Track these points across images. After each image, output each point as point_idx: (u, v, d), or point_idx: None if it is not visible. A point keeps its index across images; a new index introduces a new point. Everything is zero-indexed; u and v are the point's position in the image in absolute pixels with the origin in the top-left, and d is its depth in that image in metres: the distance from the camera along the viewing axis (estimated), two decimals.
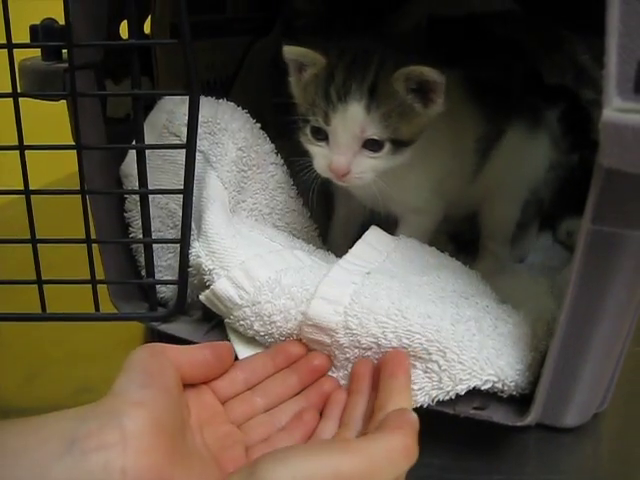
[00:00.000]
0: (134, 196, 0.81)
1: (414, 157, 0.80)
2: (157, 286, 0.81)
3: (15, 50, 0.67)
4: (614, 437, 0.73)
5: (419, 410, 0.63)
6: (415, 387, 0.64)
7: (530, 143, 0.94)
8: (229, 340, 0.72)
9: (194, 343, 0.65)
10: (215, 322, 0.77)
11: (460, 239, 1.02)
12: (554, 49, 1.09)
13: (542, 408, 0.64)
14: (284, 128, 0.81)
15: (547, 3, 1.00)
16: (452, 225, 1.03)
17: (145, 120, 0.79)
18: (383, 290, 0.68)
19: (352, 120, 0.73)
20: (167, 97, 0.86)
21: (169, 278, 0.82)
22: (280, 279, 0.70)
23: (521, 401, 0.65)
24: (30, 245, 0.74)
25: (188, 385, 0.60)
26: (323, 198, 0.94)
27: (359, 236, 0.80)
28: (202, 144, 0.81)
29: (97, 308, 0.77)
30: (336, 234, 0.95)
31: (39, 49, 0.73)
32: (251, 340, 0.72)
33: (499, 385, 0.64)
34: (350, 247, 0.77)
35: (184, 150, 0.71)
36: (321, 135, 0.77)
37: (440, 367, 0.64)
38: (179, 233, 0.75)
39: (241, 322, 0.71)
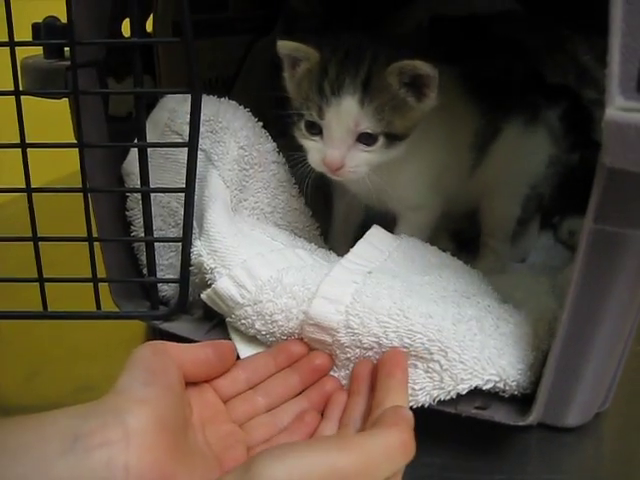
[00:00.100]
0: (136, 194, 0.81)
1: (409, 152, 0.80)
2: (158, 285, 0.81)
3: (17, 48, 0.67)
4: (616, 437, 0.73)
5: (420, 409, 0.64)
6: (416, 387, 0.64)
7: (528, 138, 0.94)
8: (230, 339, 0.72)
9: (195, 342, 0.65)
10: (216, 321, 0.77)
11: (461, 238, 1.02)
12: (556, 49, 1.09)
13: (544, 408, 0.64)
14: (285, 126, 0.81)
15: (549, 3, 1.00)
16: (453, 223, 1.03)
17: (147, 118, 0.79)
18: (385, 289, 0.68)
19: (346, 114, 0.73)
20: (169, 95, 0.86)
21: (171, 277, 0.82)
22: (282, 278, 0.70)
23: (523, 401, 0.65)
24: (31, 243, 0.74)
25: (190, 383, 0.60)
26: (323, 197, 0.94)
27: (359, 235, 0.80)
28: (204, 143, 0.81)
29: (98, 306, 0.77)
30: (335, 233, 0.95)
31: (41, 47, 0.73)
32: (252, 339, 0.72)
33: (501, 385, 0.64)
34: (351, 246, 0.77)
35: (186, 149, 0.71)
36: (315, 129, 0.77)
37: (442, 367, 0.63)
38: (181, 232, 0.74)
39: (242, 321, 0.71)
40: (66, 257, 0.81)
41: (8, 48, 0.66)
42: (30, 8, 0.78)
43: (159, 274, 0.81)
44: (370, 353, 0.66)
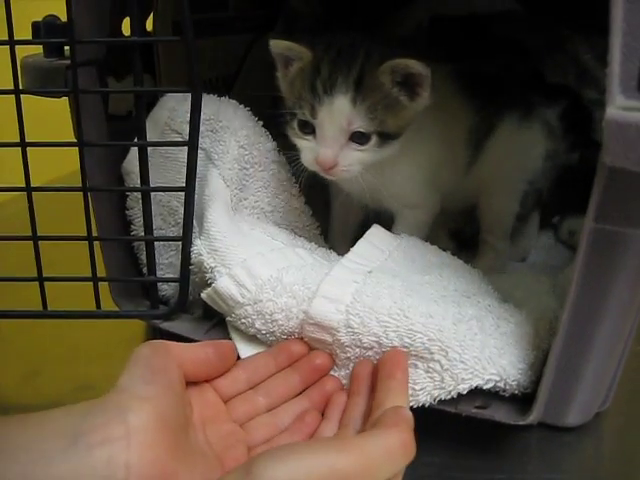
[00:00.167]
0: (136, 194, 0.81)
1: (404, 150, 0.80)
2: (158, 284, 0.81)
3: (17, 47, 0.67)
4: (616, 436, 0.73)
5: (421, 409, 0.63)
6: (417, 387, 0.64)
7: (523, 134, 0.94)
8: (230, 338, 0.72)
9: (195, 341, 0.66)
10: (216, 320, 0.77)
11: (461, 237, 1.02)
12: (556, 49, 1.09)
13: (544, 407, 0.64)
14: (279, 125, 0.82)
15: (549, 3, 1.00)
16: (452, 222, 1.03)
17: (147, 117, 0.79)
18: (385, 289, 0.68)
19: (338, 113, 0.73)
20: (169, 94, 0.86)
21: (170, 276, 0.82)
22: (282, 277, 0.70)
23: (523, 400, 0.65)
24: (32, 242, 0.74)
25: (190, 383, 0.60)
26: (322, 196, 0.94)
27: (358, 235, 0.80)
28: (204, 142, 0.81)
29: (98, 306, 0.77)
30: (334, 233, 0.95)
31: (41, 46, 0.73)
32: (252, 338, 0.71)
33: (501, 384, 0.64)
34: (350, 246, 0.77)
35: (186, 148, 0.71)
36: (308, 129, 0.77)
37: (442, 367, 0.63)
38: (181, 231, 0.74)
39: (242, 320, 0.71)
40: (66, 256, 0.81)
41: (8, 47, 0.66)
42: (30, 7, 0.78)
43: (159, 273, 0.81)
44: (370, 353, 0.66)
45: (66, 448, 0.47)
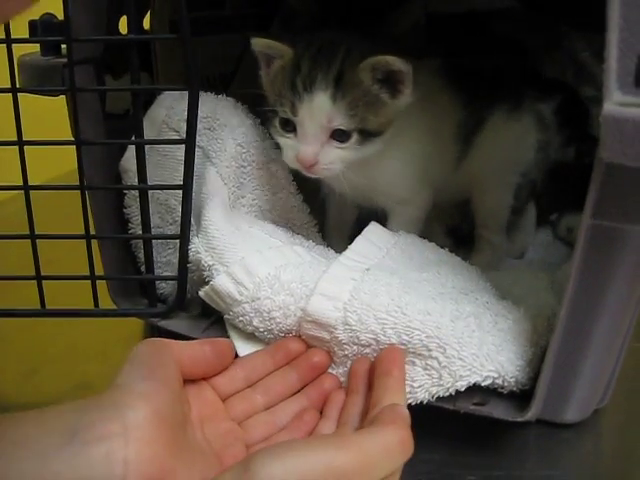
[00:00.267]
0: (133, 192, 0.81)
1: (392, 147, 0.80)
2: (156, 282, 0.81)
3: (14, 45, 0.67)
4: (614, 433, 0.73)
5: (419, 406, 0.64)
6: (415, 384, 0.64)
7: (513, 126, 0.93)
8: (228, 336, 0.72)
9: (193, 339, 0.66)
10: (214, 318, 0.77)
11: (458, 234, 1.02)
12: (554, 46, 1.09)
13: (542, 404, 0.64)
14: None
15: (547, 0, 1.01)
16: (449, 218, 1.03)
17: (144, 116, 0.79)
18: (382, 286, 0.68)
19: (318, 110, 0.73)
20: (166, 92, 0.86)
21: (168, 274, 0.82)
22: (279, 275, 0.70)
23: (521, 397, 0.65)
24: (29, 241, 0.74)
25: (188, 381, 0.60)
26: (319, 194, 0.94)
27: (355, 232, 0.80)
28: (201, 140, 0.81)
29: (96, 304, 0.77)
30: (331, 231, 0.95)
31: (38, 44, 0.73)
32: (250, 336, 0.71)
33: (499, 381, 0.64)
34: (347, 243, 0.77)
35: (183, 146, 0.71)
36: (289, 126, 0.77)
37: (440, 364, 0.63)
38: (178, 229, 0.74)
39: (240, 318, 0.71)
40: (65, 255, 0.81)
41: (5, 45, 0.66)
42: None
43: (157, 271, 0.81)
44: (368, 350, 0.66)
45: (63, 444, 0.47)
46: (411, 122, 0.82)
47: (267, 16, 1.13)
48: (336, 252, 0.79)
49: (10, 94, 0.69)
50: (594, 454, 0.69)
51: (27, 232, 0.73)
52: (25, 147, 0.70)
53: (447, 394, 0.64)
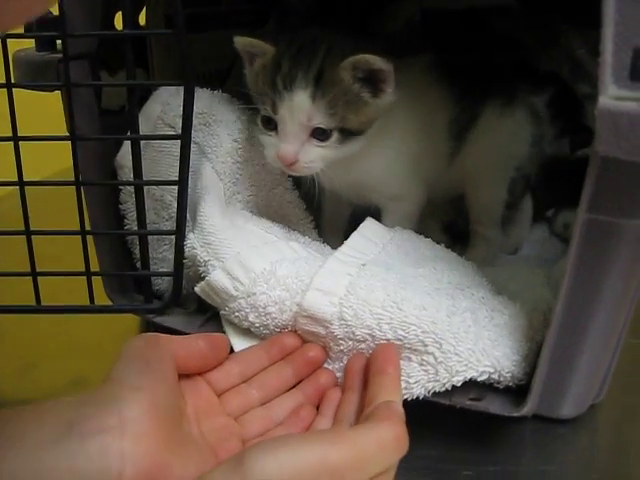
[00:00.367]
0: (129, 188, 0.81)
1: (379, 142, 0.81)
2: (152, 278, 0.81)
3: (9, 40, 0.67)
4: (610, 429, 0.73)
5: (414, 401, 0.64)
6: (411, 380, 0.64)
7: (507, 121, 0.93)
8: (224, 332, 0.72)
9: (189, 335, 0.65)
10: (210, 314, 0.77)
11: (454, 230, 1.02)
12: (551, 44, 1.09)
13: (538, 399, 0.64)
14: None
15: None
16: (445, 214, 1.03)
17: (140, 111, 0.78)
18: (378, 282, 0.68)
19: (298, 108, 0.73)
20: (162, 88, 0.86)
21: (164, 270, 0.82)
22: (275, 270, 0.70)
23: (517, 392, 0.65)
24: (25, 237, 0.73)
25: (183, 376, 0.60)
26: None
27: (351, 229, 0.80)
28: (197, 135, 0.81)
29: (92, 300, 0.77)
30: (326, 227, 0.95)
31: (33, 39, 0.73)
32: (246, 332, 0.71)
33: (495, 376, 0.64)
34: (343, 239, 0.77)
35: (179, 141, 0.71)
36: (271, 125, 0.77)
37: (436, 359, 0.63)
38: (174, 225, 0.74)
39: (236, 314, 0.71)
40: (60, 251, 0.81)
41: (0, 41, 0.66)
42: None
43: (152, 267, 0.81)
44: (363, 345, 0.66)
45: (59, 438, 0.47)
46: (399, 119, 0.82)
47: (263, 12, 1.13)
48: (332, 248, 0.79)
49: (5, 89, 0.68)
50: (590, 449, 0.69)
51: (23, 228, 0.73)
52: (22, 144, 0.70)
53: (443, 389, 0.64)
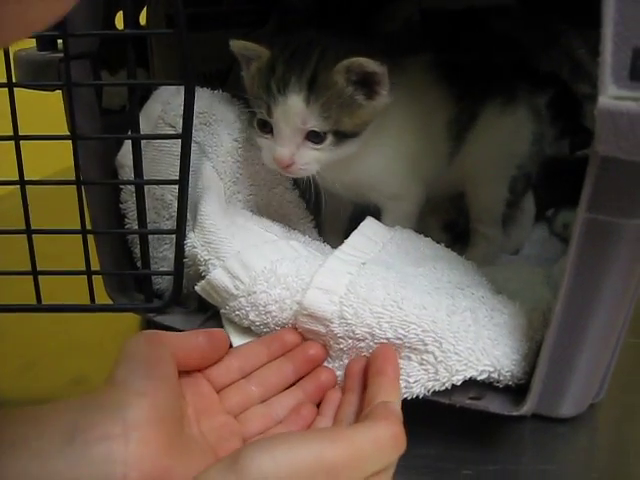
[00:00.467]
0: (130, 187, 0.81)
1: (376, 143, 0.81)
2: (152, 277, 0.81)
3: None
4: (610, 428, 0.73)
5: (414, 400, 0.64)
6: (411, 379, 0.64)
7: (508, 119, 0.94)
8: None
9: None
10: (211, 313, 0.77)
11: (455, 229, 1.02)
12: (551, 44, 1.09)
13: (538, 398, 0.64)
14: None
15: None
16: (445, 213, 1.03)
17: (140, 111, 0.79)
18: (379, 281, 0.68)
19: (292, 112, 0.74)
20: (163, 87, 0.86)
21: (164, 269, 0.82)
22: (275, 269, 0.70)
23: (517, 391, 0.65)
24: (26, 236, 0.74)
25: (183, 373, 0.60)
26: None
27: (351, 228, 0.80)
28: (198, 135, 0.81)
29: (92, 299, 0.77)
30: (326, 226, 0.95)
31: (34, 39, 0.73)
32: (246, 330, 0.71)
33: (495, 375, 0.64)
34: (342, 239, 0.77)
35: (179, 141, 0.71)
36: (267, 128, 0.77)
37: (436, 358, 0.63)
38: (174, 224, 0.74)
39: (237, 312, 0.71)
40: (61, 251, 0.81)
41: None
42: None
43: (153, 267, 0.81)
44: (363, 344, 0.66)
45: (64, 444, 0.47)
46: (398, 118, 0.82)
47: (264, 12, 1.13)
48: (332, 248, 0.79)
49: (6, 89, 0.69)
50: (589, 449, 0.69)
51: (23, 227, 0.73)
52: (23, 143, 0.71)
53: (443, 388, 0.64)
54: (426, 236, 0.83)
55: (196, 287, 0.74)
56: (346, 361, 0.67)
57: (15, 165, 0.71)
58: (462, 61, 0.91)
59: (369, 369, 0.63)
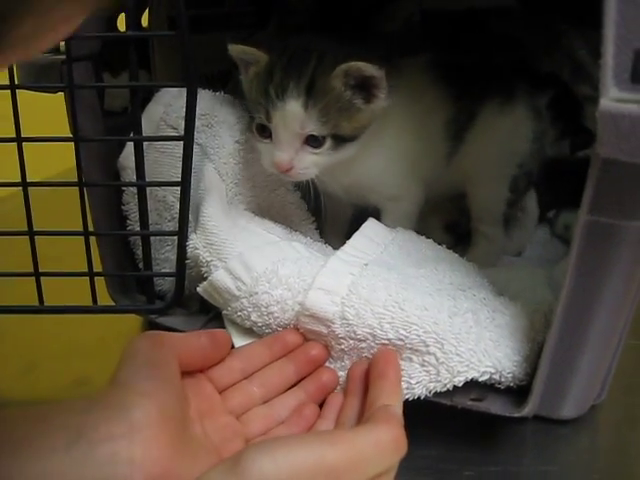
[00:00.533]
0: (132, 189, 0.81)
1: (375, 144, 0.81)
2: (154, 279, 0.81)
3: None
4: (611, 429, 0.73)
5: (415, 401, 0.64)
6: (412, 381, 0.64)
7: (507, 119, 0.93)
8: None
9: None
10: (212, 314, 0.77)
11: (457, 230, 1.02)
12: (552, 45, 1.09)
13: (539, 399, 0.64)
14: None
15: None
16: (447, 214, 1.03)
17: (142, 113, 0.79)
18: (380, 282, 0.68)
19: (291, 117, 0.74)
20: (164, 90, 0.86)
21: (167, 271, 0.82)
22: (277, 270, 0.70)
23: (518, 392, 0.65)
24: (28, 238, 0.74)
25: (186, 374, 0.60)
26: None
27: (352, 229, 0.80)
28: (200, 137, 0.81)
29: (95, 301, 0.77)
30: (327, 228, 0.95)
31: None
32: (248, 331, 0.72)
33: (496, 376, 0.64)
34: (344, 240, 0.77)
35: (181, 143, 0.71)
36: (266, 132, 0.77)
37: (437, 360, 0.64)
38: (176, 226, 0.75)
39: (239, 313, 0.71)
40: (63, 252, 0.81)
41: None
42: None
43: (155, 268, 0.81)
44: (364, 345, 0.66)
45: (69, 445, 0.47)
46: (397, 119, 0.82)
47: (265, 14, 1.13)
48: (334, 249, 0.79)
49: (8, 91, 0.69)
50: (591, 450, 0.69)
51: (26, 229, 0.73)
52: (25, 145, 0.71)
53: (444, 390, 0.64)
54: (428, 237, 0.83)
55: (198, 288, 0.74)
56: (347, 362, 0.68)
57: (17, 167, 0.71)
58: (461, 61, 0.91)
59: (371, 372, 0.63)
